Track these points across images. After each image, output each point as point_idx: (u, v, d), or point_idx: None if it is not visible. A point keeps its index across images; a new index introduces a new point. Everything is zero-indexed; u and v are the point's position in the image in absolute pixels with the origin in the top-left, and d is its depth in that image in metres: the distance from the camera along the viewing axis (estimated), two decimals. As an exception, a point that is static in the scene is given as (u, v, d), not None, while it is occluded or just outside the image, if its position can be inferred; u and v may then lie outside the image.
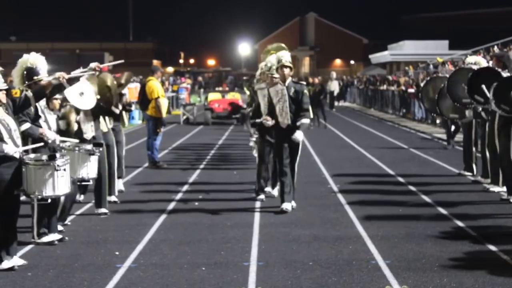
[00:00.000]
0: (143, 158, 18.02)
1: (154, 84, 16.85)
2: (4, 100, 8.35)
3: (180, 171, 16.31)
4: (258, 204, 12.25)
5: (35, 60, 9.48)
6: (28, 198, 8.89)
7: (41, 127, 9.32)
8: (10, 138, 8.27)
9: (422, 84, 15.61)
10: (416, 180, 14.62)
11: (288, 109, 11.45)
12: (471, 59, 14.76)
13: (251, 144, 13.17)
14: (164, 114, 16.77)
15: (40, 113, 9.35)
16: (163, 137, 17.62)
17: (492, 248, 9.12)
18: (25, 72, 9.42)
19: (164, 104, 16.80)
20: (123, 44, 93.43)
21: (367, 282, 7.81)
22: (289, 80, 11.65)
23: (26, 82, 9.40)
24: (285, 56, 11.75)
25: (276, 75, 11.66)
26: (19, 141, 8.43)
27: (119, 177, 13.52)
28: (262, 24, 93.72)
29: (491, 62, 14.37)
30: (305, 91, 11.67)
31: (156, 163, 16.96)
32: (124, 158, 13.81)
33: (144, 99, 16.87)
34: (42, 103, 9.45)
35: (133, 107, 13.99)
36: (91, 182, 10.90)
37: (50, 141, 9.35)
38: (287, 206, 11.45)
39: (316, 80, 35.02)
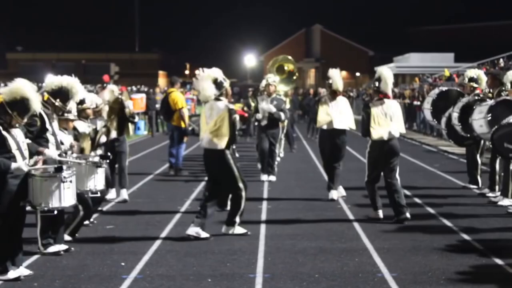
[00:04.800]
0: (149, 168, 18.11)
1: (177, 95, 17.34)
2: (14, 126, 8.37)
3: (186, 182, 16.32)
4: (264, 215, 12.26)
5: (76, 88, 9.57)
6: (34, 209, 8.89)
7: (47, 140, 9.33)
8: (18, 150, 8.28)
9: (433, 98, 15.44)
10: (422, 193, 14.61)
11: None
12: (471, 72, 14.72)
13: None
14: (187, 124, 17.24)
15: (47, 125, 9.37)
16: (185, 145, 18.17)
17: (499, 261, 9.10)
18: (58, 88, 9.47)
19: (186, 114, 17.29)
20: (129, 54, 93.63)
21: (373, 295, 7.80)
22: None
23: (48, 95, 9.46)
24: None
25: None
26: (26, 153, 8.44)
27: (122, 187, 13.58)
28: (267, 35, 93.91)
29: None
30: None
31: (180, 169, 17.41)
32: (127, 168, 13.80)
33: (168, 110, 17.31)
34: (51, 118, 9.47)
35: (136, 119, 14.16)
36: (98, 194, 10.92)
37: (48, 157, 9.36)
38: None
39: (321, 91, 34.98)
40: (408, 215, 11.63)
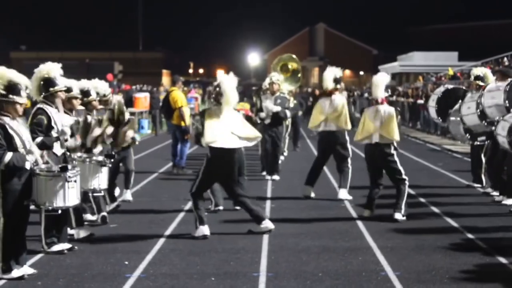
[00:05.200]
0: (153, 167, 18.13)
1: (178, 94, 17.61)
2: (20, 113, 8.38)
3: (189, 181, 16.27)
4: (267, 214, 12.25)
5: (53, 70, 9.51)
6: (38, 208, 8.91)
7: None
8: (24, 149, 8.29)
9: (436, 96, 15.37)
10: (426, 192, 14.59)
11: None
12: (477, 71, 14.69)
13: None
14: (188, 123, 17.32)
15: (53, 124, 9.37)
16: (190, 143, 18.21)
17: (503, 260, 9.10)
18: (42, 83, 9.44)
19: (187, 113, 17.50)
20: (133, 53, 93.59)
21: (377, 293, 7.81)
22: None
23: (43, 94, 9.42)
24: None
25: None
26: (31, 151, 8.44)
27: (127, 188, 13.58)
28: (271, 34, 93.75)
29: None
30: None
31: (182, 168, 17.60)
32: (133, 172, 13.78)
33: (169, 109, 17.58)
34: (55, 114, 9.46)
35: (137, 141, 13.70)
36: (102, 193, 10.92)
37: (58, 154, 9.36)
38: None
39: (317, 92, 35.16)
40: (396, 216, 11.66)
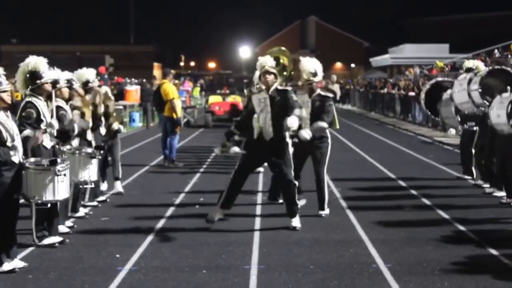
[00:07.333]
0: (144, 160, 18.07)
1: (169, 86, 17.65)
2: (9, 101, 8.34)
3: (181, 174, 16.30)
4: (259, 208, 12.26)
5: (37, 63, 9.44)
6: (28, 202, 8.89)
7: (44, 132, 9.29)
8: (13, 142, 8.25)
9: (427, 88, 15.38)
10: (417, 184, 14.62)
11: (271, 121, 10.43)
12: (468, 63, 14.71)
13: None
14: (179, 114, 17.52)
15: (42, 117, 9.32)
16: (179, 136, 18.34)
17: (493, 252, 9.12)
18: (27, 75, 9.39)
19: (178, 105, 17.56)
20: (124, 47, 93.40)
21: (368, 286, 7.80)
22: (273, 88, 10.60)
23: (30, 87, 9.36)
24: (268, 61, 10.85)
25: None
26: (20, 145, 8.42)
27: (116, 179, 13.54)
28: (262, 27, 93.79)
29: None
30: (291, 95, 10.52)
31: (173, 161, 17.55)
32: (120, 161, 13.74)
33: (160, 101, 17.63)
34: (43, 107, 9.42)
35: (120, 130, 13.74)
36: (93, 185, 10.90)
37: (48, 147, 9.33)
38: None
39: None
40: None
